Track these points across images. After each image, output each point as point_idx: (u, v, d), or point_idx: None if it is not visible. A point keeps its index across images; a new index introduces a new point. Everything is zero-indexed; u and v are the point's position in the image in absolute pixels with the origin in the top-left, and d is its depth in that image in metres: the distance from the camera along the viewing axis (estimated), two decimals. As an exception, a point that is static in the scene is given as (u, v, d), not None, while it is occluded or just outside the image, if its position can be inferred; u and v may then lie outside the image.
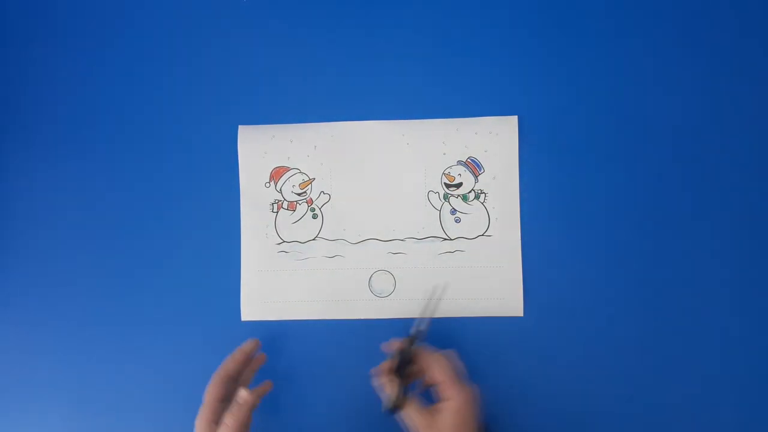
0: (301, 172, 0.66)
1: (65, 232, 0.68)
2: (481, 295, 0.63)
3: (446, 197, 0.65)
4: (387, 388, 0.55)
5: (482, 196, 0.64)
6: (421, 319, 0.59)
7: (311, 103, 0.66)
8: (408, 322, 0.61)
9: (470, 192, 0.64)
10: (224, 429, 0.53)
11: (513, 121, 0.64)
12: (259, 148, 0.66)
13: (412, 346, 0.56)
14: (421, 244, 0.64)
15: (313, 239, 0.65)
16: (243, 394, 0.55)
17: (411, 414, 0.53)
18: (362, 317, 0.64)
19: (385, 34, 0.66)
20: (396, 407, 0.54)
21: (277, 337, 0.65)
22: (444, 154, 0.65)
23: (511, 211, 0.64)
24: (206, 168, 0.67)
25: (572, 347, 0.63)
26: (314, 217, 0.66)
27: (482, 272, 0.64)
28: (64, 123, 0.68)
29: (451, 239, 0.64)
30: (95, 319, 0.66)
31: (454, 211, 0.65)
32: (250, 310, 0.65)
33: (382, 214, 0.65)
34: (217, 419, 0.55)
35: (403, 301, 0.64)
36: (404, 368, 0.56)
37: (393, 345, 0.58)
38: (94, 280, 0.67)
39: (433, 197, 0.65)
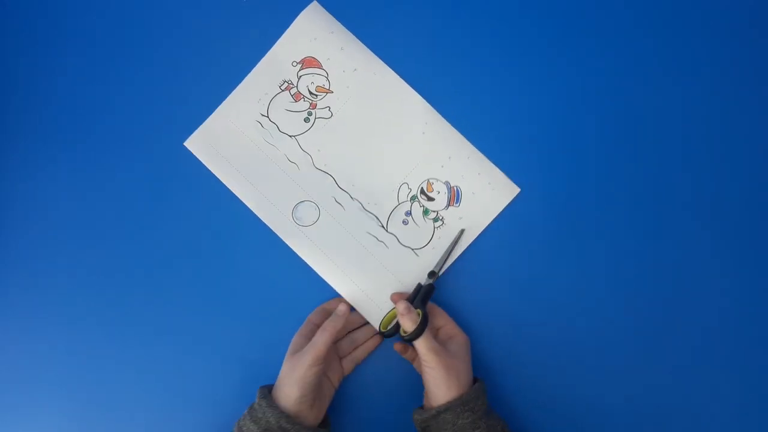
0: (327, 79, 0.66)
1: (65, 232, 0.67)
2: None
3: (413, 198, 0.65)
4: (407, 318, 0.57)
5: (440, 222, 0.64)
6: (441, 260, 0.63)
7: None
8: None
9: (434, 212, 0.65)
10: (321, 330, 0.58)
11: (514, 191, 0.64)
12: (313, 31, 0.66)
13: (433, 281, 0.62)
14: (362, 214, 0.65)
15: (289, 136, 0.66)
16: (342, 307, 0.61)
17: (425, 341, 0.55)
18: (276, 232, 0.65)
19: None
20: (415, 335, 0.56)
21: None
22: (442, 166, 0.65)
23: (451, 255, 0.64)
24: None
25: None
26: (305, 120, 0.66)
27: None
28: (64, 121, 0.68)
29: (386, 231, 0.65)
30: (97, 318, 0.66)
31: (408, 213, 0.65)
32: (198, 145, 0.66)
33: (354, 165, 0.65)
34: (308, 334, 0.59)
35: (314, 242, 0.65)
36: (424, 302, 0.60)
37: (398, 295, 0.63)
38: (94, 280, 0.66)
39: (403, 189, 0.65)
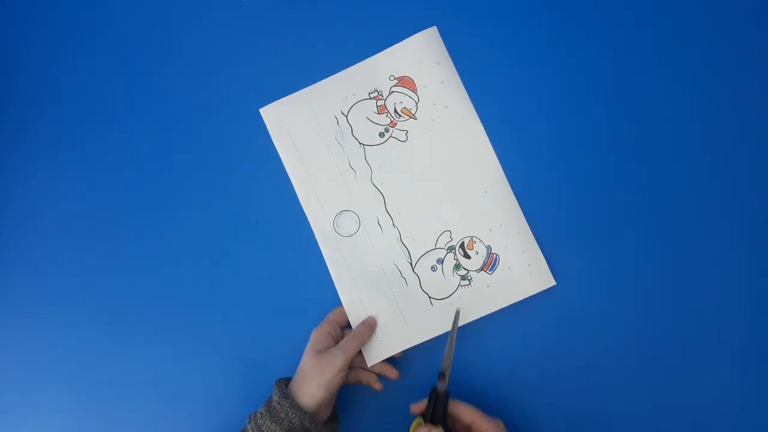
0: (416, 104, 0.65)
1: (67, 232, 0.68)
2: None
3: (450, 249, 0.63)
4: None
5: (467, 282, 0.63)
6: (446, 357, 0.58)
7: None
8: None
9: (465, 269, 0.63)
10: (352, 337, 0.58)
11: (550, 282, 0.62)
12: (422, 54, 0.66)
13: (445, 385, 0.56)
14: (397, 244, 0.64)
15: (360, 143, 0.65)
16: (372, 320, 0.62)
17: None
18: (313, 228, 0.65)
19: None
20: None
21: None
22: (490, 230, 0.63)
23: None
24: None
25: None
26: (380, 134, 0.65)
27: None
28: (65, 120, 0.69)
29: (412, 269, 0.63)
30: (97, 318, 0.66)
31: (440, 261, 0.63)
32: (272, 116, 0.66)
33: (408, 195, 0.65)
34: (332, 333, 0.59)
35: (343, 252, 0.64)
36: (444, 414, 0.56)
37: (417, 406, 0.58)
38: (96, 280, 0.67)
39: (444, 237, 0.64)
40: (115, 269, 0.67)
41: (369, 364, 0.61)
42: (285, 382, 0.58)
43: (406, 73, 0.66)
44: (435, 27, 0.66)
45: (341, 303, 0.63)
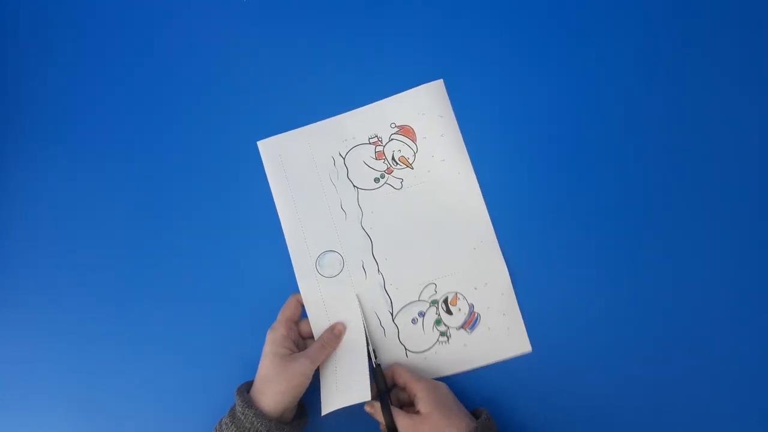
0: (414, 154, 0.65)
1: (68, 232, 0.68)
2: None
3: (434, 303, 0.63)
4: (376, 415, 0.57)
5: (445, 338, 0.62)
6: (367, 339, 0.60)
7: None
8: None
9: (446, 326, 0.62)
10: (321, 347, 0.58)
11: (525, 348, 0.61)
12: (425, 106, 0.66)
13: (375, 365, 0.59)
14: (379, 291, 0.63)
15: (354, 185, 0.65)
16: (341, 327, 0.61)
17: (401, 424, 0.54)
18: (294, 266, 0.64)
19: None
20: (390, 429, 0.55)
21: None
22: (475, 288, 0.63)
23: None
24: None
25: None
26: (375, 180, 0.65)
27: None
28: (66, 120, 0.71)
29: (392, 319, 0.63)
30: (99, 317, 0.66)
31: (421, 314, 0.63)
32: (269, 149, 0.67)
33: (397, 242, 0.64)
34: (289, 335, 0.58)
35: (321, 292, 0.63)
36: (381, 384, 0.58)
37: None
38: (98, 280, 0.67)
39: (429, 290, 0.63)
40: (115, 269, 0.67)
41: (324, 412, 0.58)
42: (246, 387, 0.56)
43: (407, 122, 0.66)
44: (441, 80, 0.67)
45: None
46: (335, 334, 0.60)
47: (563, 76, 0.66)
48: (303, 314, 0.63)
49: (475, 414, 0.56)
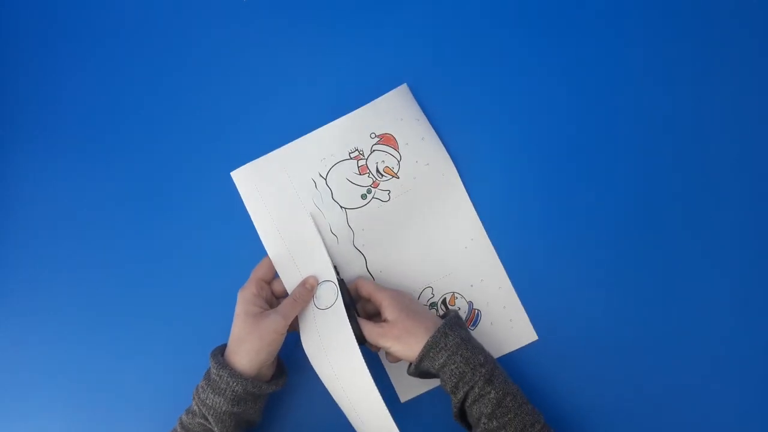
0: (398, 162, 0.63)
1: (67, 232, 0.66)
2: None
3: (432, 305, 0.64)
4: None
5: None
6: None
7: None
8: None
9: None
10: (293, 302, 0.56)
11: (531, 337, 0.64)
12: (401, 111, 0.63)
13: (339, 280, 0.59)
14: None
15: (341, 206, 0.62)
16: (313, 281, 0.58)
17: (369, 334, 0.56)
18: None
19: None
20: (360, 341, 0.56)
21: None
22: (471, 285, 0.64)
23: None
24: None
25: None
26: (362, 196, 0.62)
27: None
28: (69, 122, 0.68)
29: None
30: (100, 317, 0.65)
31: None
32: (244, 179, 0.62)
33: (390, 254, 0.63)
34: (260, 293, 0.57)
35: (318, 327, 0.58)
36: (346, 298, 0.58)
37: None
38: (98, 280, 0.66)
39: (426, 293, 0.64)
40: (111, 279, 0.66)
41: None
42: (220, 350, 0.56)
43: (387, 131, 0.62)
44: (405, 84, 0.64)
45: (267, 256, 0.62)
46: (307, 288, 0.58)
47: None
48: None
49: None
